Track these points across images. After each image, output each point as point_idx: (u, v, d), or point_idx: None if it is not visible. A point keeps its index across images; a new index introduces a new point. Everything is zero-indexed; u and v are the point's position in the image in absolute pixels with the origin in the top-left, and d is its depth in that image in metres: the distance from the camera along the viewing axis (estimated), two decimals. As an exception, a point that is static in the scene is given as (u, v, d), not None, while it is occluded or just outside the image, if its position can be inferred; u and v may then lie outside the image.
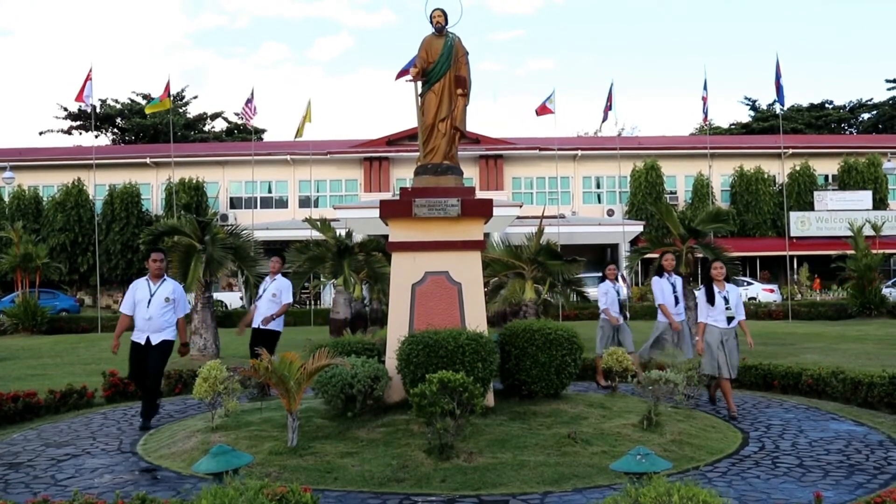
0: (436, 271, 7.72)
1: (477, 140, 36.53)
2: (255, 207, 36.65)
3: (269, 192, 38.91)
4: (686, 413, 7.73)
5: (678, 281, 10.05)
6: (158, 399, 8.31)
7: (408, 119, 77.75)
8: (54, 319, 24.50)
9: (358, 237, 19.42)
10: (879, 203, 36.57)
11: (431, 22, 8.03)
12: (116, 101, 52.61)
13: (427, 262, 7.74)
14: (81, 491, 4.81)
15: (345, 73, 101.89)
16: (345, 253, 16.41)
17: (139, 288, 8.05)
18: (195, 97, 70.74)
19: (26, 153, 40.06)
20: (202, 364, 8.08)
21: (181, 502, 4.11)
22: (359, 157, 38.02)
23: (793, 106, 53.58)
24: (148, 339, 7.91)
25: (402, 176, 36.55)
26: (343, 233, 17.15)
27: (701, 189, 36.11)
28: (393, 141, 37.72)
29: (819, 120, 53.91)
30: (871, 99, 55.69)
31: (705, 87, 29.26)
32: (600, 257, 37.08)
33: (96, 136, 47.90)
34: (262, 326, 9.87)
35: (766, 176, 36.97)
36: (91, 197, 35.42)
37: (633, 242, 31.13)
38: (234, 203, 38.51)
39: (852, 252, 24.32)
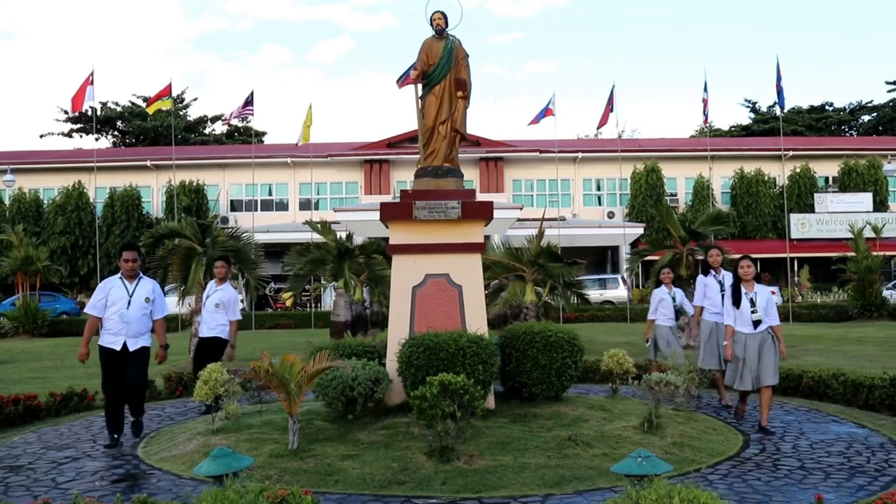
0: (436, 274, 7.72)
1: (477, 142, 36.55)
2: (256, 210, 36.65)
3: (270, 194, 38.92)
4: (687, 415, 7.72)
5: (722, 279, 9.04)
6: (142, 416, 7.58)
7: (408, 121, 77.88)
8: (55, 322, 24.49)
9: (358, 240, 19.44)
10: (880, 205, 36.56)
11: (432, 24, 8.04)
12: (117, 104, 52.63)
13: (427, 265, 7.74)
14: (82, 494, 4.81)
15: (345, 75, 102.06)
16: (345, 255, 16.43)
17: (114, 287, 7.18)
18: (195, 100, 71.02)
19: (27, 156, 40.07)
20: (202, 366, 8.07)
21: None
22: (359, 159, 38.03)
23: (793, 108, 53.58)
24: (125, 346, 7.09)
25: (403, 178, 36.54)
26: (343, 235, 17.17)
27: (701, 191, 36.10)
28: (393, 143, 37.73)
29: (819, 122, 53.91)
30: (872, 101, 55.71)
31: (705, 89, 29.27)
32: (601, 259, 37.12)
33: (97, 139, 47.88)
34: (206, 335, 8.93)
35: (766, 178, 36.96)
36: (91, 200, 35.43)
37: (634, 245, 31.11)
38: (235, 206, 38.52)
39: (853, 254, 24.32)
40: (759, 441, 6.93)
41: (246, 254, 14.89)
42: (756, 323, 7.47)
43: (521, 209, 31.67)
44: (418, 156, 8.36)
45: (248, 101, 28.71)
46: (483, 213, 7.89)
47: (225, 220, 33.76)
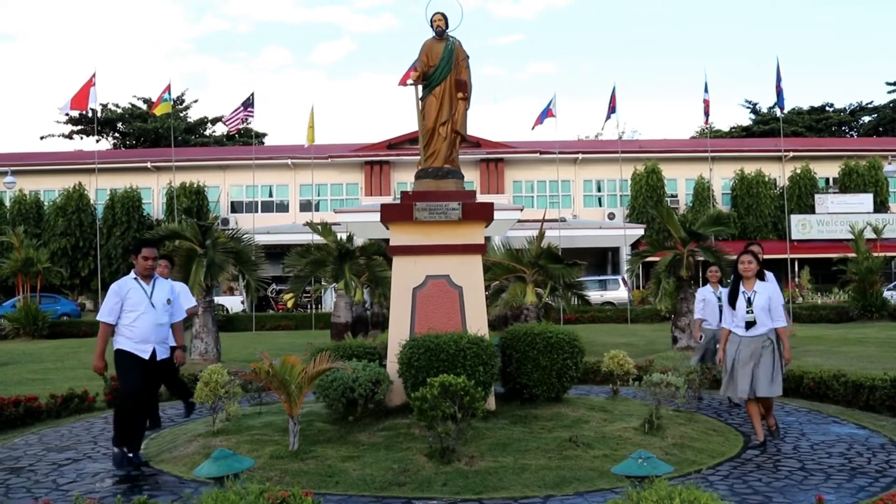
0: (437, 275, 7.72)
1: (478, 143, 36.55)
2: (256, 211, 36.66)
3: (270, 195, 38.93)
4: (687, 416, 7.72)
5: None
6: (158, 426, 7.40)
7: (409, 123, 77.92)
8: (55, 324, 24.48)
9: (359, 241, 19.47)
10: (880, 206, 36.56)
11: (432, 26, 8.05)
12: (117, 106, 52.68)
13: (428, 266, 7.75)
14: (83, 495, 4.81)
15: (346, 77, 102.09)
16: (346, 257, 16.44)
17: (133, 290, 6.43)
18: (196, 101, 70.96)
19: (28, 158, 40.11)
20: (203, 368, 8.08)
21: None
22: (360, 160, 38.04)
23: (793, 109, 53.58)
24: (153, 354, 6.43)
25: (403, 180, 36.55)
26: (344, 237, 17.18)
27: (702, 192, 36.10)
28: (394, 145, 37.74)
29: (820, 123, 53.92)
30: (872, 102, 55.73)
31: (706, 90, 29.27)
32: (601, 261, 37.11)
33: (97, 141, 47.96)
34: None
35: (766, 179, 36.95)
36: (92, 201, 35.45)
37: (634, 246, 31.10)
38: (235, 207, 38.53)
39: (853, 255, 24.30)
40: (761, 442, 6.92)
41: (247, 255, 14.90)
42: (749, 325, 6.78)
43: (521, 210, 31.68)
44: (419, 157, 8.37)
45: (249, 104, 28.73)
46: (483, 214, 7.90)
47: (225, 221, 33.77)
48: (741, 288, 6.90)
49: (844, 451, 6.55)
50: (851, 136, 55.28)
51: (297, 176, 38.10)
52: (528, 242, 13.13)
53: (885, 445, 6.73)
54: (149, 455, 6.77)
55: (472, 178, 35.87)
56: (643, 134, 65.41)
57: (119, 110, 52.58)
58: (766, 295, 6.80)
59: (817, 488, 5.42)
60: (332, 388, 6.83)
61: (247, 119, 29.48)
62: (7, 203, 36.38)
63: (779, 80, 27.02)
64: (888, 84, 54.66)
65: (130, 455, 6.30)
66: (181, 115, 52.16)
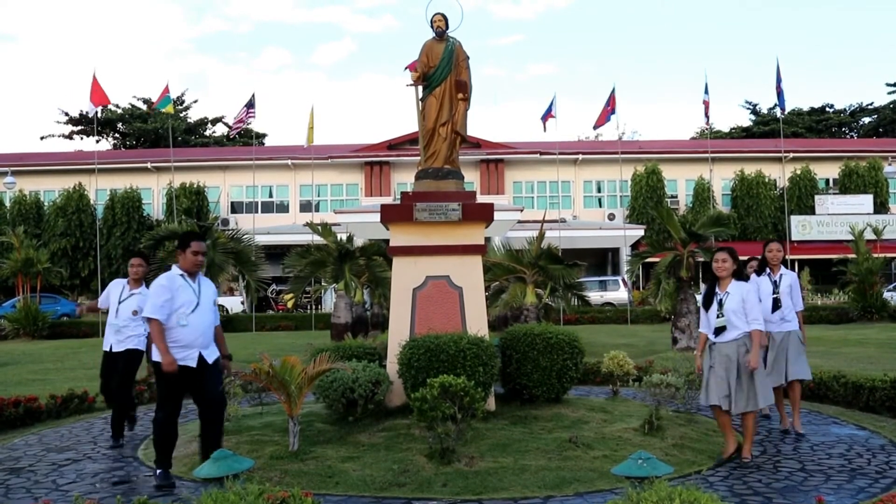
0: (437, 275, 7.73)
1: (478, 144, 36.56)
2: (256, 212, 36.65)
3: (271, 196, 38.94)
4: (687, 417, 7.72)
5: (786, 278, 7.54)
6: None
7: (409, 123, 77.91)
8: (55, 324, 24.48)
9: (359, 241, 19.47)
10: (880, 207, 36.56)
11: (432, 26, 8.05)
12: (118, 106, 52.66)
13: (428, 267, 7.75)
14: (83, 496, 4.81)
15: (346, 77, 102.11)
16: (346, 257, 16.44)
17: (182, 287, 5.77)
18: (195, 101, 70.98)
19: (27, 158, 40.11)
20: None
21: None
22: (360, 161, 38.05)
23: (793, 110, 53.58)
24: (201, 359, 5.79)
25: (403, 180, 36.55)
26: (344, 237, 17.18)
27: (702, 193, 36.11)
28: (394, 145, 37.75)
29: (820, 124, 53.93)
30: (872, 103, 55.71)
31: (706, 91, 29.31)
32: (601, 261, 37.11)
33: (97, 141, 47.98)
34: (118, 349, 7.34)
35: (766, 180, 36.96)
36: (92, 202, 35.45)
37: (634, 247, 31.11)
38: (235, 207, 38.53)
39: (853, 256, 24.30)
40: (760, 443, 6.92)
41: (247, 256, 14.92)
42: (718, 330, 6.29)
43: (521, 211, 31.69)
44: (419, 157, 8.37)
45: (250, 104, 28.76)
46: (483, 214, 7.90)
47: (225, 221, 33.77)
48: (716, 289, 6.43)
49: (844, 452, 6.54)
50: (851, 136, 55.29)
51: (297, 176, 38.10)
52: (529, 243, 13.14)
53: (885, 446, 6.73)
54: (149, 455, 6.77)
55: (472, 178, 35.87)
56: (643, 135, 65.39)
57: (119, 111, 52.58)
58: (739, 296, 6.27)
59: (817, 489, 5.42)
60: (332, 389, 6.83)
61: (247, 120, 29.54)
62: (7, 203, 36.39)
63: (779, 80, 27.06)
64: (888, 85, 54.76)
65: (170, 474, 5.78)
66: (181, 115, 52.16)
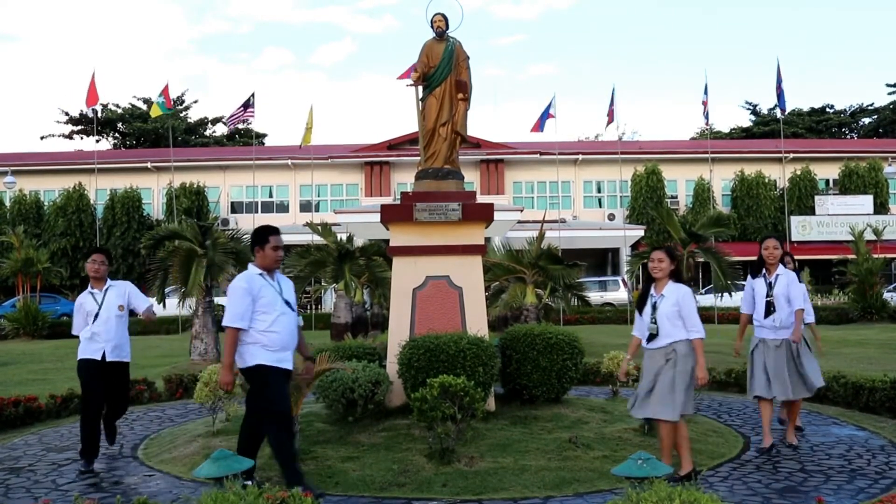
0: (437, 276, 7.73)
1: (478, 144, 36.55)
2: (256, 212, 36.64)
3: (271, 196, 38.93)
4: (687, 417, 7.71)
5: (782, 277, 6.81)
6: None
7: (409, 123, 77.87)
8: (55, 324, 24.48)
9: (359, 241, 19.47)
10: (880, 207, 36.56)
11: (432, 26, 8.05)
12: (118, 106, 52.68)
13: (428, 267, 7.75)
14: (82, 496, 4.81)
15: (347, 78, 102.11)
16: (346, 257, 16.44)
17: (263, 287, 5.35)
18: (196, 102, 70.96)
19: (28, 158, 40.10)
20: (203, 368, 8.08)
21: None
22: (360, 161, 38.05)
23: (793, 110, 53.57)
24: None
25: (404, 180, 36.55)
26: (344, 237, 17.18)
27: (702, 193, 36.10)
28: (394, 145, 37.74)
29: (820, 124, 53.93)
30: (872, 103, 55.69)
31: (706, 92, 29.28)
32: (601, 262, 37.09)
33: (97, 141, 47.93)
34: (110, 358, 6.51)
35: (766, 180, 36.95)
36: (92, 201, 35.44)
37: (634, 247, 31.10)
38: (235, 207, 38.53)
39: (853, 256, 24.31)
40: (760, 443, 6.92)
41: (247, 256, 14.87)
42: (650, 336, 5.76)
43: (521, 211, 31.68)
44: (419, 158, 8.37)
45: (249, 104, 28.76)
46: (483, 214, 7.90)
47: (225, 221, 33.78)
48: (652, 291, 5.87)
49: (844, 452, 6.55)
50: (851, 137, 55.30)
51: (297, 176, 38.10)
52: (528, 243, 13.13)
53: (885, 447, 6.73)
54: (149, 455, 6.77)
55: (472, 178, 35.86)
56: (643, 135, 65.40)
57: (119, 110, 52.58)
58: (674, 299, 5.70)
59: (817, 490, 5.43)
60: (332, 389, 6.83)
61: (247, 120, 29.55)
62: (7, 203, 36.40)
63: (779, 81, 27.05)
64: (888, 86, 54.76)
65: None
66: (181, 115, 52.15)
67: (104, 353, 6.46)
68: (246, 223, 31.26)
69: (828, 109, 56.17)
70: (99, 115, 47.90)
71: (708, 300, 24.70)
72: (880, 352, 14.64)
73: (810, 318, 7.30)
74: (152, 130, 50.57)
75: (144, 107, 51.97)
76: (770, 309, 6.68)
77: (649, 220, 34.22)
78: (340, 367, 6.58)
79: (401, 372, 7.04)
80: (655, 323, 5.69)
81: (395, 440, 6.44)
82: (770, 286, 6.71)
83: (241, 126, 30.95)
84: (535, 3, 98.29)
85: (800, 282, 6.98)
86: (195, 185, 36.15)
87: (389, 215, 7.98)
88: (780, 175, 36.79)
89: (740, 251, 30.55)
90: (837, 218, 34.98)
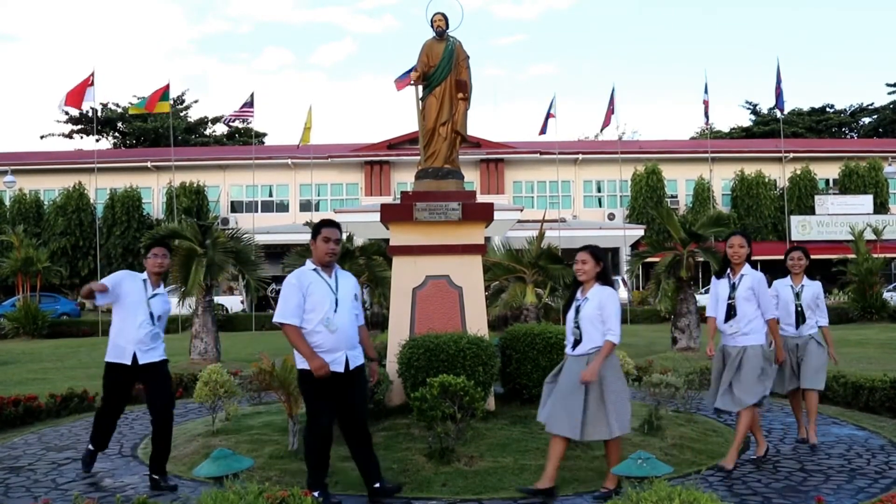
0: (437, 275, 7.72)
1: (478, 144, 36.55)
2: (256, 211, 36.66)
3: (270, 195, 38.94)
4: (687, 417, 7.72)
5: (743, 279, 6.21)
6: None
7: (409, 123, 77.91)
8: (55, 323, 24.50)
9: (359, 241, 19.47)
10: (880, 207, 36.58)
11: (432, 26, 8.04)
12: (118, 105, 52.66)
13: (428, 266, 7.75)
14: (82, 495, 4.82)
15: (347, 78, 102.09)
16: (345, 257, 16.42)
17: (314, 283, 5.19)
18: (196, 101, 70.94)
19: (27, 157, 40.11)
20: (203, 368, 8.09)
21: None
22: (360, 160, 38.05)
23: (793, 110, 53.58)
24: (347, 364, 5.21)
25: (403, 180, 36.55)
26: (344, 237, 17.17)
27: (702, 193, 36.11)
28: (394, 145, 37.75)
29: (820, 124, 53.93)
30: (872, 103, 55.72)
31: (706, 92, 29.28)
32: (601, 261, 37.09)
33: (97, 140, 47.98)
34: (144, 360, 5.85)
35: (766, 180, 36.97)
36: (92, 201, 35.45)
37: (634, 246, 31.09)
38: (235, 207, 38.53)
39: (853, 256, 24.31)
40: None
41: (246, 255, 14.89)
42: (575, 342, 5.38)
43: (521, 211, 31.68)
44: (419, 157, 8.37)
45: (249, 104, 28.76)
46: (483, 214, 7.90)
47: (225, 221, 33.77)
48: (577, 294, 5.52)
49: (844, 452, 6.55)
50: (851, 137, 55.30)
51: (296, 176, 38.11)
52: (528, 243, 13.12)
53: (885, 447, 6.73)
54: (149, 455, 6.76)
55: (472, 178, 35.86)
56: (643, 135, 65.42)
57: (119, 110, 52.56)
58: (597, 302, 5.32)
59: (817, 489, 5.43)
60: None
61: (247, 119, 29.54)
62: (7, 202, 36.40)
63: (779, 82, 27.06)
64: (888, 85, 54.78)
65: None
66: (181, 115, 52.15)
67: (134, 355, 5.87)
68: (246, 223, 31.26)
69: (828, 109, 56.17)
70: (98, 114, 47.90)
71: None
72: (880, 351, 14.64)
73: (824, 321, 7.02)
74: (152, 130, 50.58)
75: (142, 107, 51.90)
76: (731, 313, 6.07)
77: (649, 219, 34.23)
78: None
79: (400, 371, 7.04)
80: (579, 328, 5.34)
81: (395, 440, 6.44)
82: (733, 287, 6.10)
83: (240, 125, 30.94)
84: (535, 3, 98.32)
85: (818, 287, 6.88)
86: (195, 185, 36.16)
87: (389, 215, 7.98)
88: (780, 175, 36.80)
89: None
90: (837, 218, 35.00)
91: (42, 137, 70.77)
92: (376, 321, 17.96)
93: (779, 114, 33.62)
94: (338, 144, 40.92)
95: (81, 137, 53.65)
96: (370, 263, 16.96)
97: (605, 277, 5.47)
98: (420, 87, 8.12)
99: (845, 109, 56.43)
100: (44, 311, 24.26)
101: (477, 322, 7.58)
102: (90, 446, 6.24)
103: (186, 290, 13.31)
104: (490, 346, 7.12)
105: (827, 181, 38.43)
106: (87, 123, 51.46)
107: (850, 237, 24.75)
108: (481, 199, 8.63)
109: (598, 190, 39.14)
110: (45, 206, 36.59)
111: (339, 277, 5.30)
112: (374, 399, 6.96)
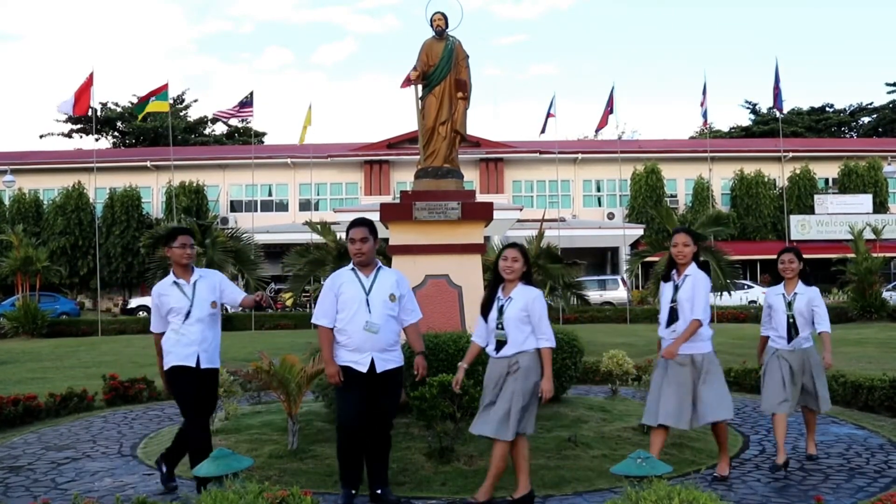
0: (436, 275, 7.73)
1: (477, 143, 36.55)
2: (256, 211, 36.65)
3: (270, 195, 38.94)
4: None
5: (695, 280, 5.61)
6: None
7: (408, 122, 77.82)
8: (54, 323, 24.48)
9: (358, 240, 19.44)
10: (880, 207, 36.59)
11: (432, 25, 8.05)
12: (117, 105, 52.62)
13: (427, 266, 7.75)
14: (81, 494, 4.82)
15: (347, 77, 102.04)
16: (345, 256, 16.40)
17: (346, 283, 5.17)
18: (196, 101, 70.85)
19: (27, 157, 40.09)
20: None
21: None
22: (359, 160, 38.05)
23: (793, 109, 53.56)
24: (372, 365, 5.12)
25: (403, 179, 36.55)
26: (343, 236, 17.16)
27: (701, 192, 36.11)
28: (393, 144, 37.74)
29: (819, 123, 53.90)
30: (872, 103, 55.69)
31: (705, 91, 29.28)
32: (601, 261, 37.12)
33: (97, 140, 47.90)
34: (204, 365, 5.46)
35: (766, 179, 36.98)
36: (91, 200, 35.43)
37: (634, 246, 31.11)
38: (235, 206, 38.52)
39: (853, 255, 24.32)
40: (759, 442, 6.93)
41: (246, 254, 14.91)
42: (499, 344, 5.09)
43: (520, 210, 31.69)
44: (418, 157, 8.37)
45: (247, 103, 28.72)
46: (483, 213, 7.90)
47: (225, 220, 33.76)
48: (498, 294, 5.26)
49: (843, 451, 6.55)
50: (851, 136, 55.28)
51: (296, 175, 38.10)
52: (528, 242, 13.12)
53: (884, 446, 6.74)
54: (148, 454, 6.77)
55: (471, 177, 35.85)
56: (643, 134, 65.38)
57: (119, 109, 52.53)
58: (522, 303, 5.05)
59: (816, 489, 5.43)
60: (332, 388, 6.82)
61: (245, 118, 29.54)
62: (6, 202, 36.39)
63: (777, 81, 27.06)
64: (888, 85, 54.71)
65: (354, 492, 5.15)
66: (181, 114, 52.12)
67: (199, 358, 5.40)
68: (245, 222, 31.27)
69: (827, 108, 56.15)
70: (98, 114, 47.88)
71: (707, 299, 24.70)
72: (879, 351, 14.64)
73: (823, 327, 6.57)
74: (152, 129, 50.53)
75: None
76: (673, 317, 5.54)
77: (649, 219, 34.24)
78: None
79: (400, 371, 7.03)
80: (503, 329, 5.04)
81: (394, 439, 6.40)
82: (676, 289, 5.56)
83: (239, 124, 30.97)
84: (535, 3, 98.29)
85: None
86: (194, 184, 36.15)
87: (389, 214, 7.98)
88: (779, 174, 36.81)
89: (739, 250, 30.61)
90: (837, 217, 35.01)
91: (41, 137, 70.83)
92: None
93: (778, 113, 33.64)
94: (337, 144, 40.92)
95: (81, 137, 53.66)
96: (370, 263, 16.95)
97: (530, 277, 5.31)
98: (420, 87, 8.12)
99: (845, 109, 56.41)
100: (43, 311, 24.25)
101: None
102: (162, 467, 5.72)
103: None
104: (489, 345, 7.11)
105: (826, 181, 38.44)
106: (87, 123, 51.39)
107: (850, 237, 24.76)
108: (481, 198, 8.64)
109: (598, 189, 39.15)
110: (45, 205, 36.59)
111: (377, 278, 5.22)
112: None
